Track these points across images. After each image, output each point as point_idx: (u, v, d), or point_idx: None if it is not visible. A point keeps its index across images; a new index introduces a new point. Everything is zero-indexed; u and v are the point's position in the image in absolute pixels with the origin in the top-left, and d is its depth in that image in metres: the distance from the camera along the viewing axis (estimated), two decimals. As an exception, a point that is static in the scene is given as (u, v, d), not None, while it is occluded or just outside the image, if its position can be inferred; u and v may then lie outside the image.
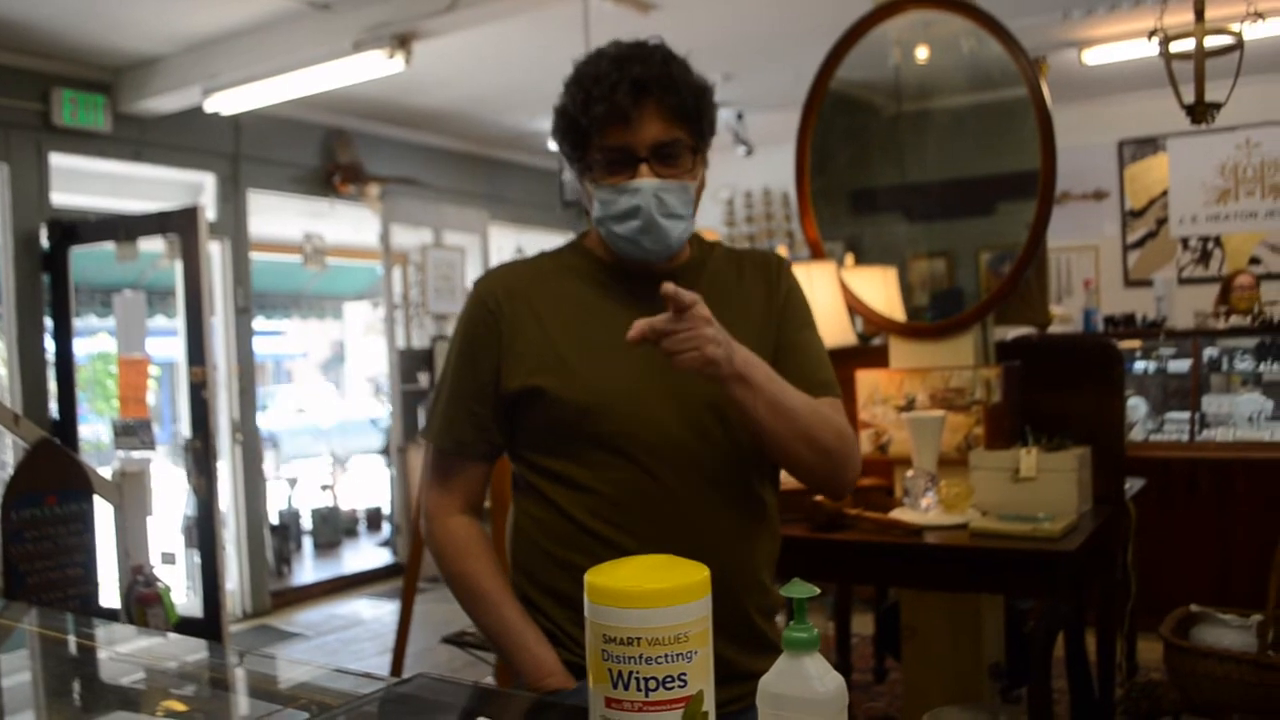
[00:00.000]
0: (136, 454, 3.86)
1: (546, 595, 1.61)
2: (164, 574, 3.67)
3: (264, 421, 8.02)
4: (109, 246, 4.50)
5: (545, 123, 7.28)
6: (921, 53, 3.35)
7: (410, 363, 7.39)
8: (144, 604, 3.44)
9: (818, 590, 0.92)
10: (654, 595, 0.89)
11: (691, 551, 1.09)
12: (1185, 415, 5.07)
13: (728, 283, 1.68)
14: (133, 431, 3.92)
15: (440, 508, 1.67)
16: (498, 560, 1.66)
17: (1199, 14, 2.83)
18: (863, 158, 3.57)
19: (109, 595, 3.54)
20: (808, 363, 1.66)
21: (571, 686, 1.54)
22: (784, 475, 3.06)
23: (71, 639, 1.78)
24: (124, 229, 4.39)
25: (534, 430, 1.61)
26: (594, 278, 1.65)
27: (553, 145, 1.68)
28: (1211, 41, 2.86)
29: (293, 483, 8.31)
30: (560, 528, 1.58)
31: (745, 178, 8.10)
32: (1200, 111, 2.83)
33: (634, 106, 1.51)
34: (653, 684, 0.89)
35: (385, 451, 7.82)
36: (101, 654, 1.71)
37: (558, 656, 1.56)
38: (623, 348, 1.47)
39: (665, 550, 1.30)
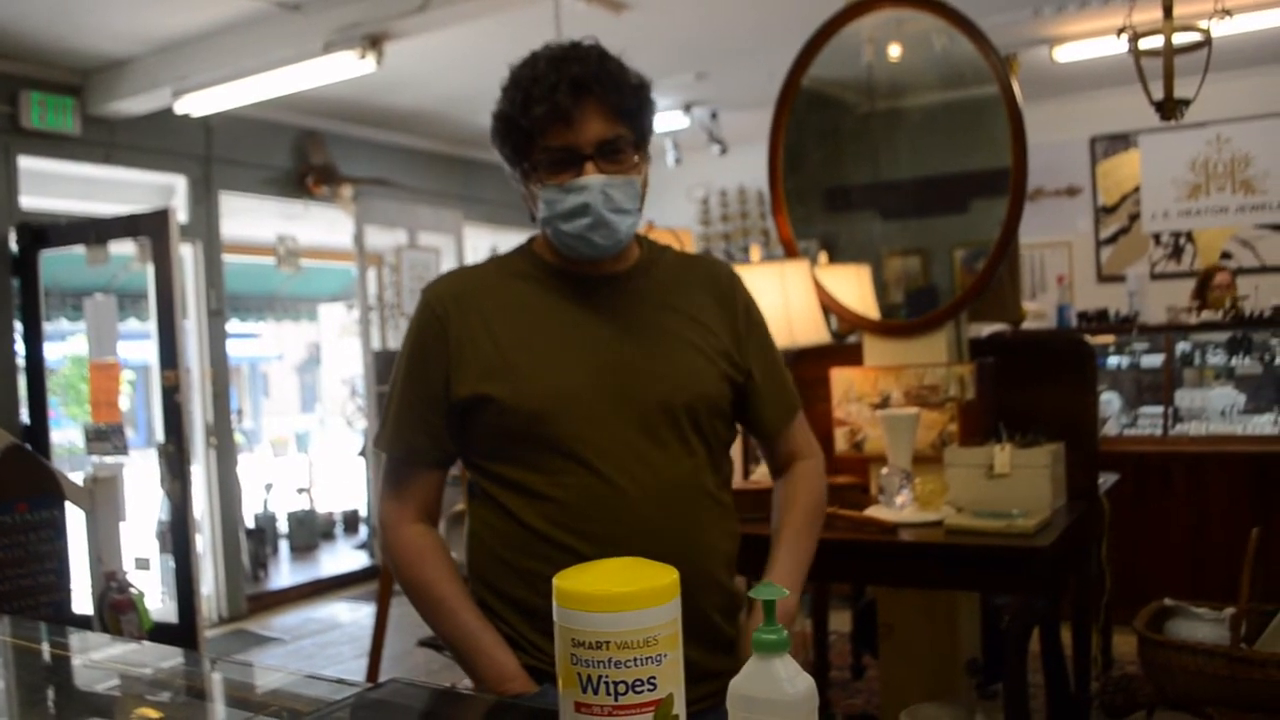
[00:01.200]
0: (109, 459, 3.83)
1: (505, 603, 1.61)
2: (138, 580, 3.63)
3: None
4: (79, 250, 4.46)
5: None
6: (894, 50, 3.36)
7: (386, 364, 7.35)
8: (117, 611, 3.41)
9: (786, 592, 0.92)
10: (622, 599, 0.88)
11: (649, 554, 1.09)
12: (1159, 410, 5.11)
13: (676, 285, 1.69)
14: (105, 436, 3.89)
15: (395, 516, 1.65)
16: (454, 567, 1.65)
17: (1167, 11, 2.85)
18: (836, 156, 3.57)
19: (82, 602, 3.50)
20: (780, 391, 1.77)
21: (533, 690, 1.53)
22: (760, 472, 3.06)
23: (44, 647, 1.76)
24: (94, 232, 4.36)
25: (486, 437, 1.60)
26: (542, 282, 1.64)
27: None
28: (1180, 38, 2.88)
29: (269, 486, 8.26)
30: (517, 535, 1.58)
31: (720, 176, 8.11)
32: (1169, 108, 2.85)
33: (575, 106, 1.51)
34: (622, 688, 0.88)
35: (362, 454, 7.78)
36: (75, 662, 1.69)
37: (518, 661, 1.56)
38: (573, 351, 1.51)
39: (622, 554, 1.34)
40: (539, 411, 1.54)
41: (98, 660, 1.71)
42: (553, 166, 1.55)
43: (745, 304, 1.74)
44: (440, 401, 1.60)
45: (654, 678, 0.89)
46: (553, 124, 1.52)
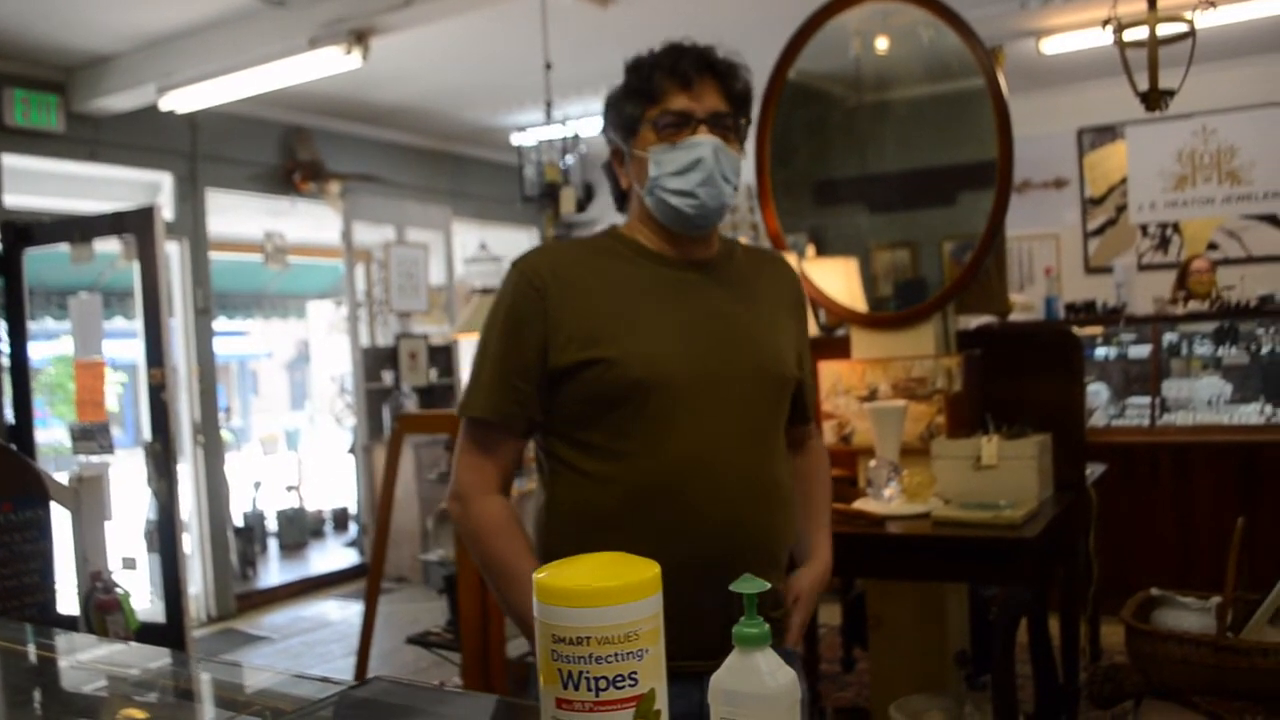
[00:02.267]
0: (95, 458, 3.80)
1: None
2: (125, 580, 3.62)
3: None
4: (64, 248, 4.42)
5: (507, 117, 7.24)
6: (881, 43, 3.35)
7: (374, 361, 7.33)
8: (103, 611, 3.39)
9: (768, 585, 0.92)
10: (602, 594, 0.87)
11: (726, 536, 1.28)
12: (1146, 400, 5.12)
13: (754, 277, 1.76)
14: (91, 435, 3.86)
15: (476, 485, 1.66)
16: (529, 542, 1.67)
17: (1152, 2, 2.86)
18: (824, 149, 3.57)
19: (67, 603, 3.48)
20: (813, 392, 1.90)
21: None
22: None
23: (29, 649, 1.75)
24: (79, 230, 4.32)
25: (582, 402, 1.61)
26: (634, 262, 1.68)
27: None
28: (1165, 29, 2.89)
29: (257, 484, 8.23)
30: (599, 507, 1.60)
31: (709, 170, 8.08)
32: (1154, 98, 2.85)
33: (697, 75, 1.61)
34: (603, 683, 0.88)
35: (351, 451, 7.76)
36: (60, 663, 1.68)
37: None
38: (672, 328, 1.59)
39: (707, 528, 1.53)
40: (644, 378, 1.57)
41: (83, 661, 1.70)
42: (667, 129, 1.62)
43: (803, 302, 1.84)
44: (534, 370, 1.62)
45: (635, 673, 0.88)
46: (674, 88, 1.61)
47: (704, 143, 1.60)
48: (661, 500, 1.56)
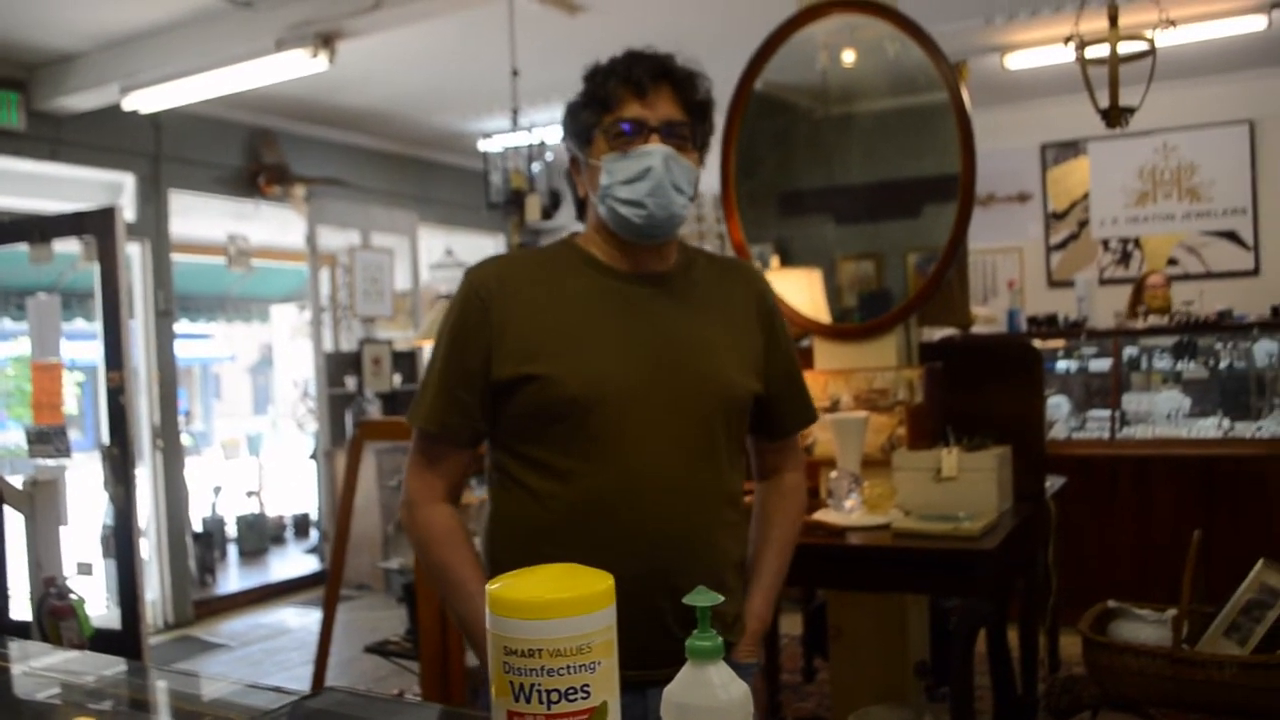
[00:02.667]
0: (51, 461, 3.75)
1: None
2: (81, 585, 3.57)
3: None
4: (23, 248, 4.36)
5: (474, 123, 7.20)
6: (848, 56, 3.37)
7: (337, 366, 7.28)
8: (57, 617, 3.34)
9: (721, 598, 0.91)
10: (554, 605, 0.87)
11: (668, 552, 1.26)
12: (1106, 413, 5.17)
13: (714, 288, 1.74)
14: (47, 438, 3.80)
15: (423, 494, 1.66)
16: (475, 551, 1.66)
17: (1113, 20, 2.89)
18: (791, 160, 3.58)
19: (20, 609, 3.43)
20: (802, 400, 1.84)
21: None
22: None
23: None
24: (39, 230, 4.26)
25: (523, 417, 1.61)
26: (586, 275, 1.66)
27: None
28: (1125, 48, 2.93)
29: (217, 489, 8.14)
30: (539, 520, 1.59)
31: (676, 179, 8.10)
32: (1114, 115, 2.89)
33: (652, 83, 1.60)
34: (555, 696, 0.87)
35: (313, 456, 7.70)
36: (13, 670, 1.66)
37: None
38: (617, 344, 1.57)
39: (648, 544, 1.51)
40: (581, 396, 1.56)
41: (36, 668, 1.68)
42: (619, 136, 1.60)
43: (774, 311, 1.80)
44: (478, 380, 1.61)
45: (588, 685, 0.88)
46: (628, 95, 1.60)
47: (654, 152, 1.58)
48: (601, 517, 1.56)
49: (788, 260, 3.57)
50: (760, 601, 1.75)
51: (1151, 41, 2.96)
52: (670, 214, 1.61)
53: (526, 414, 1.60)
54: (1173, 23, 2.98)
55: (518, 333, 1.60)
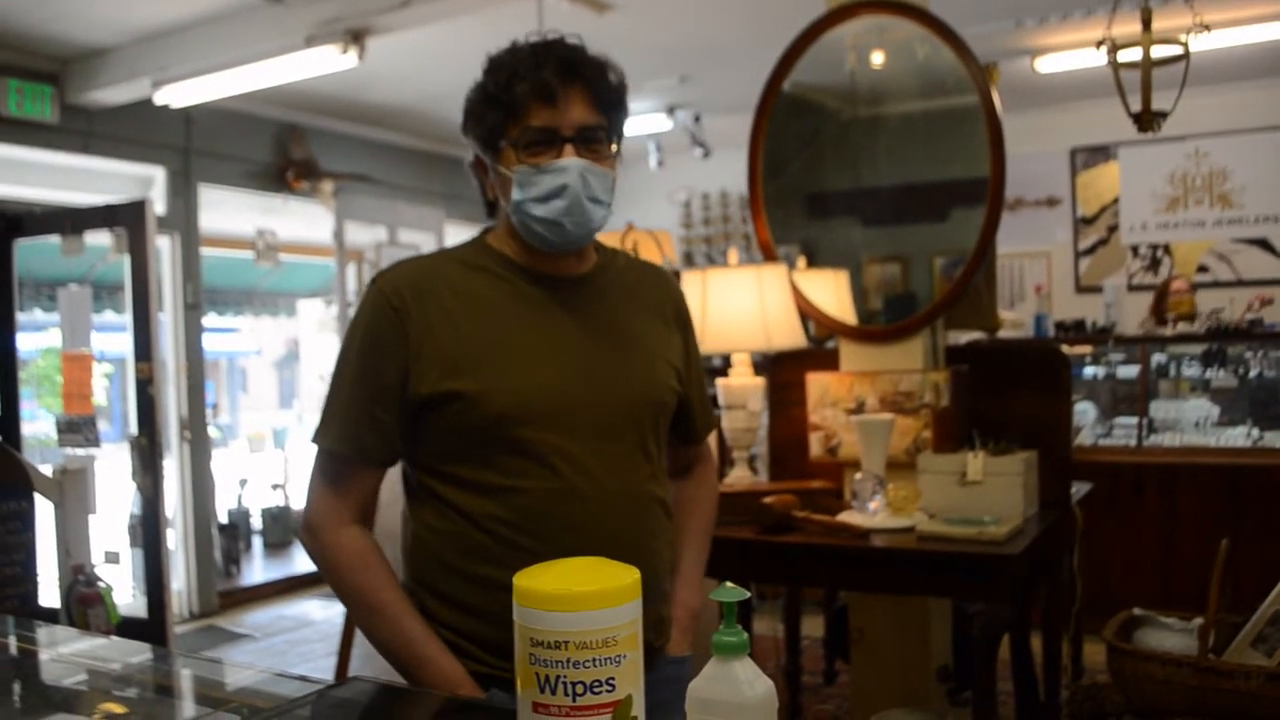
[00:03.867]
0: (80, 451, 3.79)
1: (451, 608, 1.55)
2: (107, 574, 3.60)
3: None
4: (55, 240, 4.41)
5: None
6: (877, 58, 3.36)
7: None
8: (85, 604, 3.38)
9: (747, 594, 0.91)
10: (582, 598, 0.88)
11: (613, 558, 1.07)
12: (1133, 420, 5.14)
13: (633, 291, 1.69)
14: (76, 428, 3.84)
15: (331, 517, 1.57)
16: (393, 573, 1.58)
17: (1146, 24, 2.87)
18: (818, 161, 3.57)
19: (49, 595, 3.47)
20: (706, 404, 1.82)
21: (481, 696, 1.49)
22: (735, 476, 3.05)
23: (10, 640, 1.74)
24: (70, 222, 4.30)
25: (445, 435, 1.53)
26: (503, 277, 1.59)
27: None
28: (1158, 51, 2.90)
29: (243, 482, 8.20)
30: (469, 539, 1.52)
31: (703, 180, 8.11)
32: (1146, 120, 2.87)
33: (561, 86, 1.49)
34: (580, 688, 0.88)
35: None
36: (41, 656, 1.68)
37: (463, 668, 1.51)
38: (540, 352, 1.50)
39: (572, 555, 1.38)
40: (506, 411, 1.49)
41: (63, 654, 1.70)
42: (530, 147, 1.51)
43: (689, 316, 1.77)
44: (394, 397, 1.52)
45: (613, 679, 0.88)
46: (536, 102, 1.49)
47: (569, 167, 1.49)
48: (539, 533, 1.50)
49: (814, 261, 3.56)
50: (686, 590, 1.72)
51: (1185, 45, 2.93)
52: (589, 229, 1.54)
53: (451, 431, 1.52)
54: (1207, 27, 2.95)
55: (436, 345, 1.51)
